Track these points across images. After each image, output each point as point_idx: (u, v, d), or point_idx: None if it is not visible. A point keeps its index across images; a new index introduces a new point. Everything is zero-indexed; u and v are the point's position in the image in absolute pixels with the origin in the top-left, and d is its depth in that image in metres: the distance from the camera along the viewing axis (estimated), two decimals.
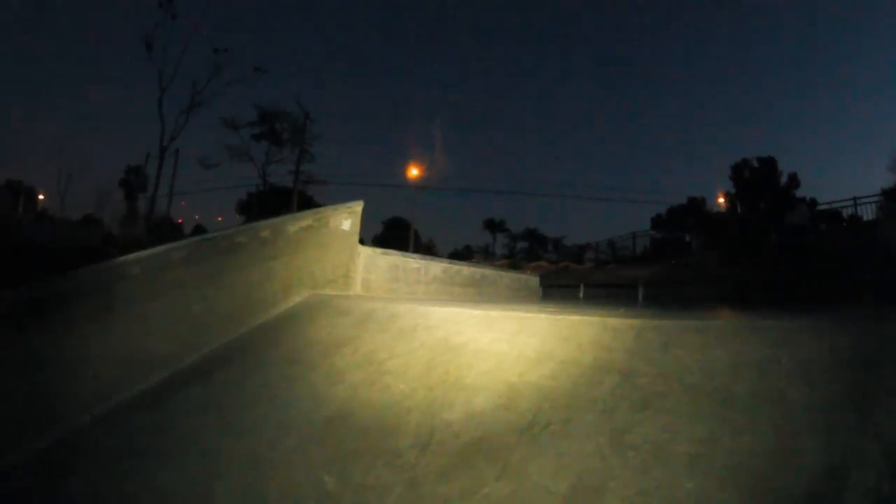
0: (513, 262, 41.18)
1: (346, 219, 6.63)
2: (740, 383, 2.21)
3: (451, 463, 2.29)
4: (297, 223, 6.13)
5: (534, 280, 14.38)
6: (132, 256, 4.80)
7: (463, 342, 3.44)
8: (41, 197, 47.11)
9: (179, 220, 48.30)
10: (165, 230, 30.36)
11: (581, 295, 21.46)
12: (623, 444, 2.01)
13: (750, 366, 2.32)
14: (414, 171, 35.39)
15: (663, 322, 3.03)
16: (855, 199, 19.68)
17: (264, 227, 5.84)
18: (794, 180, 34.83)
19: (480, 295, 10.04)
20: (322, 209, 6.55)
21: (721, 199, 36.50)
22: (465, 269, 8.61)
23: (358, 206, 6.82)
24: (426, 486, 2.22)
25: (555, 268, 35.63)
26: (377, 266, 7.12)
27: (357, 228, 6.82)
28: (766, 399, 2.07)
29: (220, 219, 56.54)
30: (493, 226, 61.61)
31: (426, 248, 47.41)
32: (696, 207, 38.81)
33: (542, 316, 3.46)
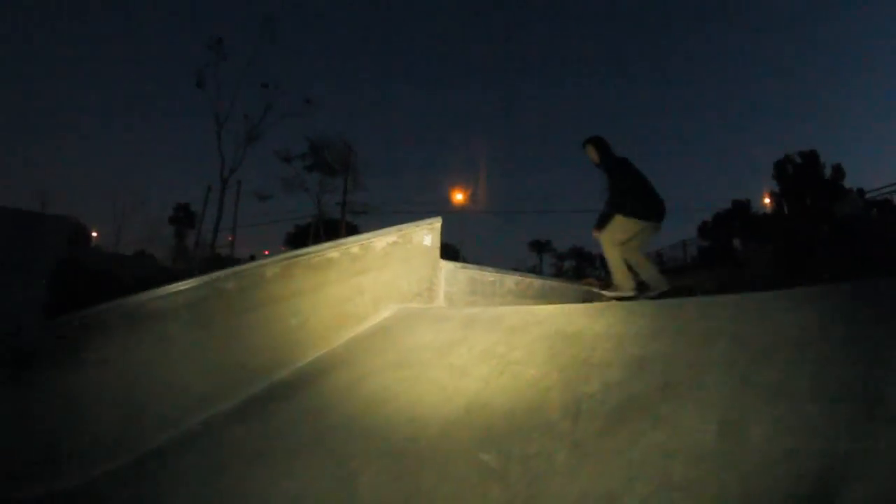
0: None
1: (427, 234, 7.03)
2: (832, 331, 2.61)
3: (605, 424, 2.55)
4: (384, 239, 6.48)
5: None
6: (228, 271, 5.10)
7: (578, 330, 3.71)
8: (94, 234, 48.75)
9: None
10: (219, 265, 31.22)
11: None
12: (750, 384, 2.39)
13: (837, 318, 2.74)
14: (458, 196, 35.45)
15: (757, 294, 3.48)
16: None
17: (354, 243, 6.19)
18: (838, 171, 34.19)
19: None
20: (404, 226, 6.85)
21: (766, 200, 35.93)
22: (535, 282, 8.92)
23: (437, 223, 7.18)
24: (590, 444, 2.46)
25: (603, 284, 35.40)
26: (457, 279, 7.47)
27: (438, 244, 7.17)
28: (856, 340, 2.44)
29: (266, 252, 57.83)
30: (538, 246, 61.43)
31: None
32: (741, 210, 38.18)
33: (646, 303, 3.83)
